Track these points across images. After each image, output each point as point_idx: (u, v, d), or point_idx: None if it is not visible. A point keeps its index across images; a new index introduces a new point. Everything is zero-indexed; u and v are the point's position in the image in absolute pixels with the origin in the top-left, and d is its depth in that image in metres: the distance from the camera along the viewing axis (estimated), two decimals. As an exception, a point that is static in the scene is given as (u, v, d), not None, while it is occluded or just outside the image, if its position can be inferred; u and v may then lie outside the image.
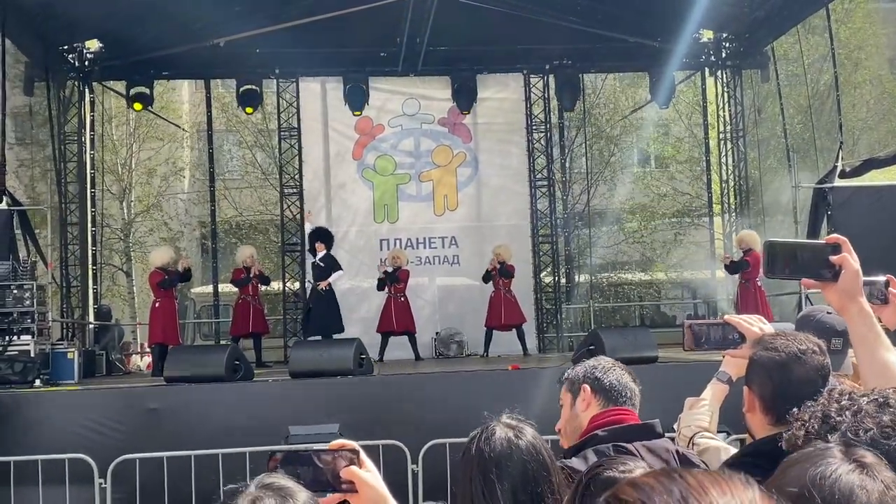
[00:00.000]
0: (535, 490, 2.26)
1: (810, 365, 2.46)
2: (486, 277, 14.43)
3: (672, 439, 3.15)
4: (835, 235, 2.14)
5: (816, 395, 2.43)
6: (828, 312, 3.62)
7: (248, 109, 16.92)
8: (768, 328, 2.70)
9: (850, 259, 2.10)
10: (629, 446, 2.74)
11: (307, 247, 14.04)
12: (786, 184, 15.44)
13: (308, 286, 14.78)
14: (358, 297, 15.74)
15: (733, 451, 2.92)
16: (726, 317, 2.89)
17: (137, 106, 16.26)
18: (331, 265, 13.61)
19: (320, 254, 13.60)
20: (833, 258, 2.10)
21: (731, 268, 14.00)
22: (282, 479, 1.61)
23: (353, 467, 1.80)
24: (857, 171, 13.61)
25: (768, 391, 2.49)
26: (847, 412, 1.57)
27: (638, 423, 2.90)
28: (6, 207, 12.91)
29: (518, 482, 2.25)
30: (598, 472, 1.94)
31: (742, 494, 0.93)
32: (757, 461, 2.37)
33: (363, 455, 1.82)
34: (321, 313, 13.33)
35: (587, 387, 2.99)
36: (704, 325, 2.91)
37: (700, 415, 3.17)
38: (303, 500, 1.58)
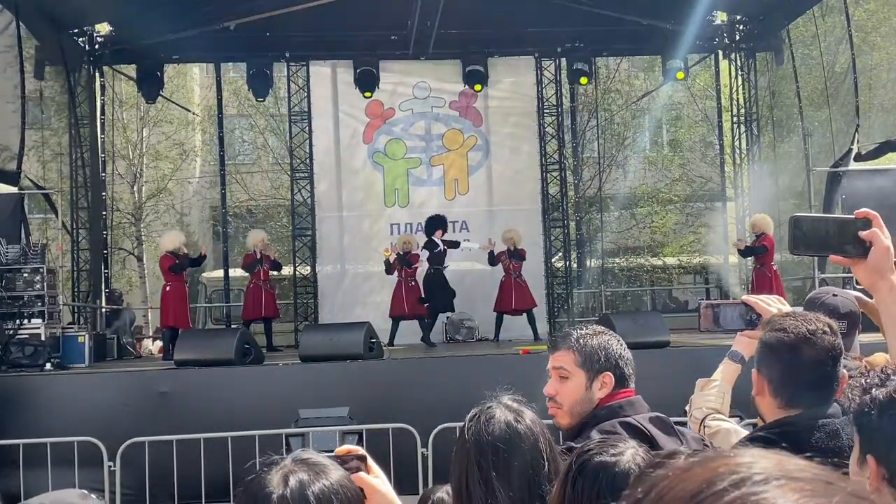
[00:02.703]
0: (533, 477, 2.19)
1: (820, 346, 2.37)
2: (492, 260, 14.35)
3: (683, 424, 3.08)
4: (865, 210, 2.03)
5: (828, 377, 2.36)
6: (833, 294, 3.55)
7: (260, 100, 16.87)
8: (787, 309, 2.63)
9: (880, 234, 2.01)
10: (634, 422, 2.65)
11: (427, 234, 14.31)
12: (800, 167, 15.31)
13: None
14: (369, 282, 15.72)
15: (745, 433, 2.85)
16: (744, 297, 2.82)
17: (150, 102, 16.35)
18: (451, 247, 14.13)
19: (438, 240, 13.95)
20: (863, 233, 2.01)
21: (746, 252, 13.90)
22: (317, 456, 1.60)
23: (362, 473, 1.75)
24: (874, 154, 13.48)
25: (777, 373, 2.41)
26: None
27: (632, 398, 2.80)
28: (17, 191, 12.93)
29: (514, 467, 2.18)
30: (588, 456, 1.88)
31: None
32: (766, 446, 2.30)
33: (371, 461, 1.78)
34: (439, 294, 13.75)
35: (611, 376, 2.80)
36: (721, 306, 2.84)
37: (711, 396, 3.09)
38: (336, 477, 1.56)
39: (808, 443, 2.27)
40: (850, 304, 3.47)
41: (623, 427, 2.58)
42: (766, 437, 2.31)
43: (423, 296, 14.20)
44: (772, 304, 2.68)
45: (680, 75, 16.54)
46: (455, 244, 14.33)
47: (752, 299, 2.75)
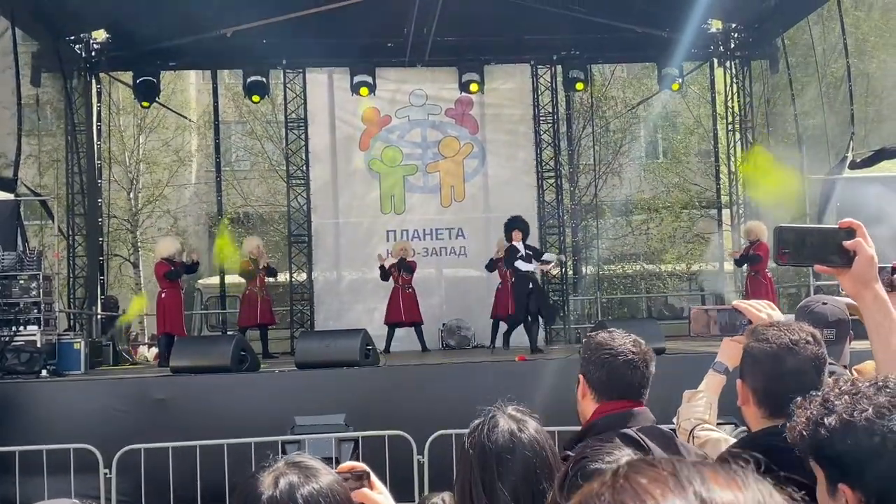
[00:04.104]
0: (536, 486, 2.20)
1: (803, 356, 2.38)
2: (490, 266, 14.32)
3: (673, 430, 3.10)
4: (848, 220, 2.06)
5: (812, 386, 2.38)
6: (822, 303, 3.55)
7: (255, 98, 16.71)
8: (777, 314, 2.64)
9: (864, 244, 2.03)
10: (632, 434, 2.67)
11: (506, 238, 13.15)
12: (796, 174, 15.35)
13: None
14: (365, 289, 15.74)
15: (735, 441, 2.87)
16: (734, 302, 2.84)
17: (145, 103, 16.24)
18: (533, 253, 12.92)
19: (517, 242, 12.77)
20: (847, 243, 2.04)
21: (740, 261, 13.92)
22: (310, 460, 1.62)
23: (365, 489, 1.76)
24: (869, 162, 13.52)
25: (761, 383, 2.42)
26: (845, 395, 1.55)
27: (632, 410, 2.82)
28: (14, 198, 12.93)
29: (518, 477, 2.19)
30: (583, 463, 1.89)
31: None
32: (748, 457, 2.31)
33: (374, 477, 1.79)
34: (536, 297, 12.78)
35: (582, 377, 2.88)
36: (712, 311, 2.86)
37: (698, 407, 3.12)
38: (326, 482, 1.58)
39: (790, 453, 2.29)
40: (839, 312, 3.48)
41: (620, 438, 2.60)
42: (750, 446, 2.32)
43: (419, 303, 14.21)
44: (762, 310, 2.70)
45: (675, 87, 16.64)
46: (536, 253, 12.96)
47: (743, 305, 2.77)
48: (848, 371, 3.20)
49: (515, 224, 12.92)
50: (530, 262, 12.62)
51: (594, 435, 2.68)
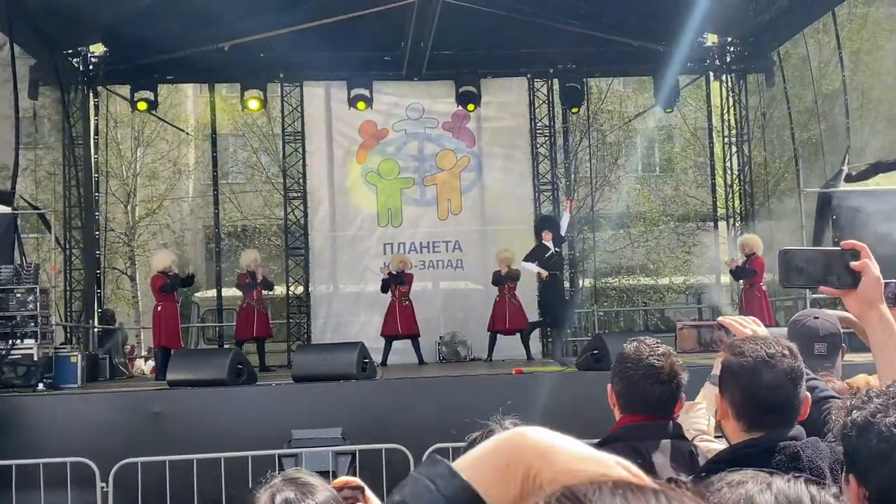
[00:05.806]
0: None
1: (779, 369, 2.38)
2: (496, 280, 14.32)
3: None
4: (852, 241, 2.10)
5: (788, 399, 2.39)
6: (814, 317, 3.56)
7: (256, 101, 16.39)
8: (761, 330, 2.65)
9: (870, 265, 2.06)
10: (639, 447, 2.68)
11: (537, 237, 13.30)
12: (792, 188, 15.41)
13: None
14: (362, 301, 15.73)
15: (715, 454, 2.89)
16: (719, 319, 2.85)
17: (142, 105, 16.06)
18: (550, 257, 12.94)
19: (548, 242, 12.94)
20: (853, 264, 2.07)
21: (737, 274, 13.94)
22: (307, 476, 1.62)
23: None
24: (864, 175, 13.57)
25: (738, 397, 2.41)
26: (885, 396, 1.57)
27: (647, 422, 2.82)
28: (10, 211, 12.93)
29: None
30: None
31: None
32: (730, 469, 2.33)
33: (368, 491, 1.80)
34: (558, 302, 12.82)
35: (609, 386, 2.91)
36: (697, 327, 2.89)
37: (697, 418, 3.14)
38: (323, 498, 1.58)
39: (769, 466, 2.29)
40: (830, 326, 3.48)
41: (628, 450, 2.61)
42: (729, 460, 2.34)
43: (416, 315, 14.20)
44: (746, 326, 2.70)
45: (668, 110, 16.80)
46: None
47: (728, 321, 2.78)
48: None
49: (545, 224, 13.19)
50: (534, 263, 12.80)
51: (607, 446, 2.70)
